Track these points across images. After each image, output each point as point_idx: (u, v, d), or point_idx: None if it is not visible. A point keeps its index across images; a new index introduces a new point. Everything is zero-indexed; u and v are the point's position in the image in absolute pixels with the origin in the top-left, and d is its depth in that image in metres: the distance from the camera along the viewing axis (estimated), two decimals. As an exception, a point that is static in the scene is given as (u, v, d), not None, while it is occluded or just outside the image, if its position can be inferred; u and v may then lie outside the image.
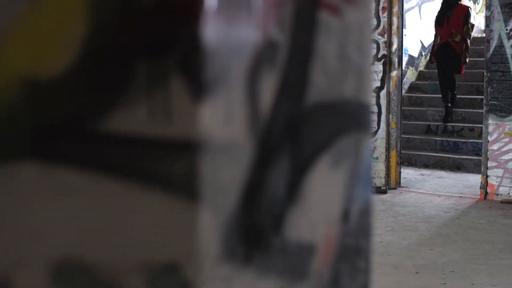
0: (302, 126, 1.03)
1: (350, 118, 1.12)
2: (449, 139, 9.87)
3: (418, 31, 11.24)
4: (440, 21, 9.82)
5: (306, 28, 1.02)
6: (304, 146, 1.03)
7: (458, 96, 10.39)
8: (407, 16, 11.24)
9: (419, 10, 11.46)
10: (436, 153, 9.69)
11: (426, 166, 9.54)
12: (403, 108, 10.75)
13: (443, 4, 9.92)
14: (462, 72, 9.97)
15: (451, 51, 9.66)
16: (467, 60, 9.77)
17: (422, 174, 9.01)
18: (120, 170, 0.88)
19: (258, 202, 0.96)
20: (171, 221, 0.88)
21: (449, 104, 10.09)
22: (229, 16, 0.89)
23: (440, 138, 9.82)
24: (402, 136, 10.05)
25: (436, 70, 10.34)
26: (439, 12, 9.92)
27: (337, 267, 1.12)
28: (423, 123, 10.34)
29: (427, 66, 11.46)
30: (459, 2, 9.81)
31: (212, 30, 0.86)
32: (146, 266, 0.89)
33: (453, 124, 10.11)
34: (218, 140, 0.89)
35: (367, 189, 1.18)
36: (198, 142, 0.87)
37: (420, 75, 11.51)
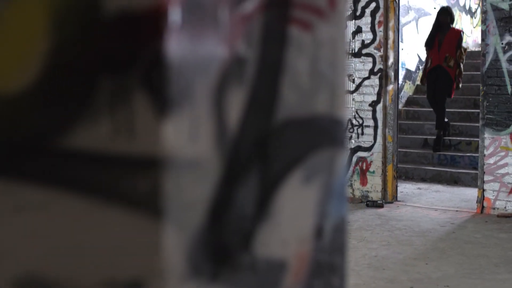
0: (272, 142, 1.02)
1: (323, 133, 1.12)
2: (446, 153, 9.86)
3: (415, 45, 11.26)
4: (431, 43, 9.61)
5: (276, 43, 1.01)
6: (274, 162, 1.03)
7: (455, 110, 10.40)
8: (404, 30, 11.27)
9: (416, 24, 11.49)
10: (433, 167, 9.68)
11: (423, 180, 9.53)
12: (400, 122, 10.75)
13: (434, 26, 9.70)
14: (452, 96, 9.77)
15: (444, 74, 9.43)
16: (460, 86, 9.57)
17: (419, 188, 8.99)
18: (83, 187, 0.87)
19: (225, 219, 0.95)
20: (135, 239, 0.87)
21: (441, 132, 9.80)
22: (194, 31, 0.89)
23: (437, 152, 9.81)
24: (399, 150, 10.05)
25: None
26: (430, 34, 9.71)
27: (310, 284, 1.11)
28: (420, 137, 10.34)
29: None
30: (451, 26, 9.64)
31: (177, 45, 0.86)
32: (109, 284, 0.88)
33: (450, 138, 10.10)
34: (183, 156, 0.88)
35: (341, 205, 1.17)
36: (162, 159, 0.86)
37: (417, 89, 11.52)
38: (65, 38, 0.86)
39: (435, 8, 11.92)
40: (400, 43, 11.09)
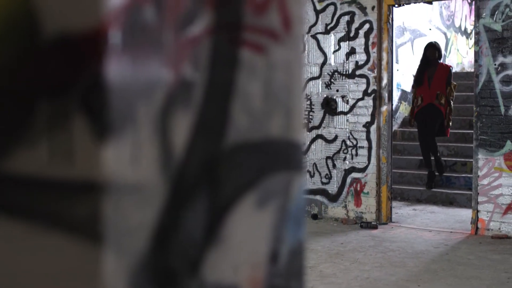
0: (222, 166, 1.01)
1: (277, 157, 1.11)
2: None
3: (411, 66, 11.27)
4: (420, 80, 9.13)
5: (226, 66, 1.01)
6: (225, 186, 1.02)
7: (451, 130, 10.38)
8: (400, 51, 11.30)
9: (412, 45, 11.52)
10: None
11: (418, 201, 9.50)
12: (396, 142, 10.74)
13: (422, 63, 9.21)
14: (448, 135, 9.38)
15: (437, 113, 9.01)
16: (450, 124, 9.17)
17: (414, 209, 8.96)
18: (20, 211, 0.86)
19: (171, 244, 0.94)
20: (74, 264, 0.86)
21: (433, 169, 9.39)
22: (136, 54, 0.88)
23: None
24: (395, 170, 10.03)
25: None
26: (418, 71, 9.21)
27: (265, 309, 1.10)
28: (416, 157, 10.31)
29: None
30: (439, 61, 9.22)
31: (117, 68, 0.85)
32: (47, 311, 0.86)
33: (445, 158, 10.08)
34: (125, 181, 0.87)
35: (299, 229, 1.16)
36: (102, 184, 0.85)
37: (414, 110, 11.51)
38: (3, 61, 0.86)
39: (430, 29, 11.97)
40: (395, 64, 11.12)
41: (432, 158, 9.39)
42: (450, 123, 9.17)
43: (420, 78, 9.14)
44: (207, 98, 0.97)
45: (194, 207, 0.97)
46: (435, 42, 9.46)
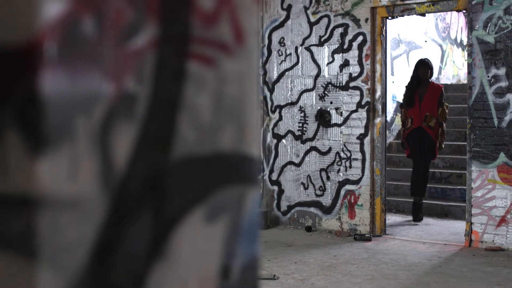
0: (168, 180, 1.00)
1: (229, 170, 1.09)
2: (437, 186, 9.81)
3: (406, 78, 11.28)
4: (411, 102, 8.62)
5: (172, 79, 0.99)
6: (171, 201, 1.00)
7: (446, 142, 10.36)
8: (395, 63, 11.30)
9: (407, 57, 11.52)
10: (424, 199, 9.63)
11: (414, 213, 9.47)
12: (391, 154, 10.73)
13: (412, 83, 8.70)
14: (434, 159, 8.97)
15: (427, 137, 8.56)
16: (443, 146, 8.73)
17: (409, 221, 8.93)
18: (-47, 227, 0.85)
19: (113, 260, 0.93)
20: (8, 282, 0.84)
21: (419, 200, 8.81)
22: (74, 67, 0.87)
23: (428, 185, 9.75)
24: (390, 182, 10.01)
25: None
26: (409, 92, 8.68)
27: (217, 325, 1.08)
28: (411, 170, 10.29)
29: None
30: (430, 81, 8.70)
31: (53, 81, 0.84)
32: (-20, 328, 0.85)
33: (441, 170, 10.07)
34: (61, 196, 0.86)
35: (252, 243, 1.14)
36: (36, 198, 0.83)
37: (409, 122, 11.50)
38: None
39: (426, 41, 11.98)
40: (390, 76, 11.13)
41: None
42: (443, 145, 8.74)
43: (411, 98, 8.63)
44: (152, 111, 0.96)
45: (138, 222, 0.95)
46: (427, 60, 8.91)
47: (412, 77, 8.76)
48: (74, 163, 0.87)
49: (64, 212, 0.86)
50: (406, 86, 8.78)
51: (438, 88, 8.69)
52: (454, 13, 12.94)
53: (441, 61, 12.46)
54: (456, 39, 13.09)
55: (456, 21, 13.03)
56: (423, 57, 9.07)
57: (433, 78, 9.59)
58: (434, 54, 12.08)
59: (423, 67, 8.66)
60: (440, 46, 12.52)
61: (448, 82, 12.49)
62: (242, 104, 1.11)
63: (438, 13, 12.09)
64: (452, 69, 12.95)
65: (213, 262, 1.07)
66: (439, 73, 12.39)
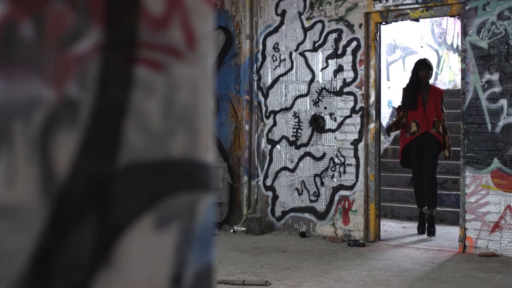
0: (114, 187, 0.98)
1: (180, 177, 1.08)
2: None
3: (402, 83, 11.27)
4: (414, 104, 8.02)
5: (118, 84, 0.98)
6: (118, 208, 0.99)
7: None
8: (391, 69, 11.30)
9: (403, 63, 11.52)
10: (420, 205, 9.61)
11: (409, 218, 9.46)
12: (387, 160, 10.72)
13: (412, 84, 8.15)
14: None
15: (436, 143, 8.01)
16: (451, 155, 8.25)
17: (404, 227, 8.92)
18: None
19: (54, 268, 0.91)
20: None
21: (425, 208, 8.21)
22: (11, 72, 0.85)
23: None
24: (386, 188, 9.99)
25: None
26: (410, 94, 8.09)
27: (168, 334, 1.07)
28: (407, 175, 10.27)
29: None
30: (430, 84, 8.25)
31: (-12, 88, 0.82)
32: None
33: (437, 176, 10.05)
34: (-3, 203, 0.84)
35: (206, 251, 1.13)
36: (-30, 205, 0.82)
37: (405, 127, 11.49)
38: None
39: (422, 46, 11.97)
40: (386, 81, 11.13)
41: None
42: (451, 154, 8.27)
43: (414, 101, 8.03)
44: (96, 116, 0.95)
45: (81, 229, 0.94)
46: (428, 60, 8.40)
47: (412, 79, 8.21)
48: (12, 169, 0.86)
49: (0, 219, 0.85)
50: (405, 88, 8.26)
51: (440, 92, 8.27)
52: (450, 18, 12.94)
53: (438, 66, 12.46)
54: (452, 44, 13.09)
55: (452, 26, 13.03)
56: (423, 57, 8.62)
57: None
58: (430, 60, 12.06)
59: (424, 69, 8.13)
60: (436, 51, 12.53)
61: (444, 88, 12.47)
62: (195, 110, 1.09)
63: (435, 19, 12.09)
64: (448, 74, 12.95)
65: (164, 270, 1.05)
66: (435, 78, 12.38)
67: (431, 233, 8.12)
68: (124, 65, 0.99)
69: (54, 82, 0.90)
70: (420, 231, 8.28)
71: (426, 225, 8.20)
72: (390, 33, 10.92)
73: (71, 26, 0.92)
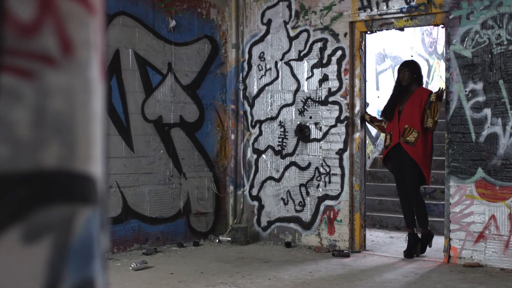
0: (-28, 199, 0.94)
1: (54, 189, 1.04)
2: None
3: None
4: (389, 114, 7.59)
5: (-23, 93, 0.94)
6: (-23, 221, 0.95)
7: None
8: (380, 78, 11.28)
9: (393, 72, 11.49)
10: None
11: (397, 228, 9.41)
12: (376, 169, 10.68)
13: (393, 92, 7.74)
14: (429, 184, 7.78)
15: (404, 156, 7.41)
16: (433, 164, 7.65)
17: (391, 237, 8.87)
18: None
19: None
20: None
21: (415, 231, 7.56)
22: None
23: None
24: (375, 198, 9.95)
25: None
26: (388, 103, 7.73)
27: None
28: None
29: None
30: (419, 87, 7.61)
31: None
32: None
33: (425, 186, 10.00)
34: None
35: (86, 265, 1.09)
36: None
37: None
38: None
39: (412, 56, 11.95)
40: (376, 90, 11.10)
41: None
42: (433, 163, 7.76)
43: (389, 110, 7.62)
44: (-51, 126, 0.91)
45: None
46: (410, 61, 7.99)
47: (394, 86, 7.86)
48: None
49: None
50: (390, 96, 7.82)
51: (426, 92, 7.55)
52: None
53: (428, 76, 12.43)
54: (443, 53, 13.06)
55: (443, 36, 13.01)
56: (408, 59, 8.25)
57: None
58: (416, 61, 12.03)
59: (403, 68, 7.65)
60: (427, 61, 12.50)
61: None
62: (71, 119, 1.05)
63: (425, 28, 12.07)
64: (439, 83, 12.91)
65: (34, 286, 1.01)
66: (426, 87, 12.34)
67: (411, 255, 7.49)
68: (-15, 72, 0.95)
69: None
70: (407, 255, 7.48)
71: (420, 245, 7.59)
72: (380, 42, 10.90)
73: None
